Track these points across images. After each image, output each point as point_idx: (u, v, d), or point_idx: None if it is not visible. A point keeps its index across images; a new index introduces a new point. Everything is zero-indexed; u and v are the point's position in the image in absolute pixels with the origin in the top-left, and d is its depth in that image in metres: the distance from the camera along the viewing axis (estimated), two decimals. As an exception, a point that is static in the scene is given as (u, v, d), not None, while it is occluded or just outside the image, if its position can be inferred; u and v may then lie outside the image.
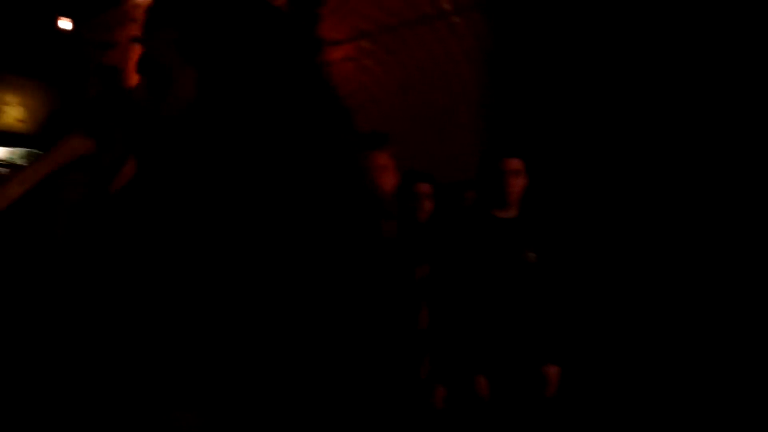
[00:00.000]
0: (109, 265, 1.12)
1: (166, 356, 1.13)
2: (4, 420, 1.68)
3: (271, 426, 1.10)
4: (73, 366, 1.53)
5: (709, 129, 3.21)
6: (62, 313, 1.58)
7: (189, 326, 1.08)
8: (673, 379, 3.26)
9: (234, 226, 1.05)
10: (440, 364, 2.51)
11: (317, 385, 1.04)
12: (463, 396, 2.60)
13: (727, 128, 3.18)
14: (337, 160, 1.12)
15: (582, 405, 3.23)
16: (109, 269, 1.12)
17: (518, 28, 4.03)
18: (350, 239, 1.09)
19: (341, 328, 1.05)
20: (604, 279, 3.53)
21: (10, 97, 6.85)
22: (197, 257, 1.05)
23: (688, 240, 3.31)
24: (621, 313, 3.51)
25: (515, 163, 2.78)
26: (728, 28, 3.09)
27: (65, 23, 6.81)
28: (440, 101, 4.35)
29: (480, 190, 3.19)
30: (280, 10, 1.14)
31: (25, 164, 5.63)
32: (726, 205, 3.21)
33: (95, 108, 1.08)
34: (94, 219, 1.16)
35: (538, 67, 3.88)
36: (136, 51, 6.30)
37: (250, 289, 1.04)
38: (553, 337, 2.73)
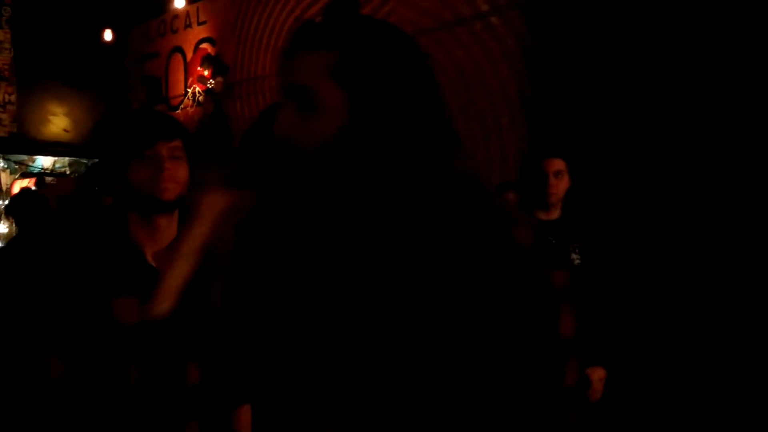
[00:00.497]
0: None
1: None
2: None
3: None
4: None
5: (761, 131, 3.12)
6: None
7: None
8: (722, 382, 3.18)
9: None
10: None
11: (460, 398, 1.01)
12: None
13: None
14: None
15: (627, 408, 3.17)
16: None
17: (557, 26, 3.99)
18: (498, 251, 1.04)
19: (483, 338, 1.01)
20: (650, 280, 3.46)
21: (57, 108, 7.03)
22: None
23: (734, 239, 3.22)
24: (665, 315, 3.44)
25: (557, 164, 2.74)
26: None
27: (108, 34, 6.97)
28: (480, 103, 4.32)
29: (522, 192, 3.16)
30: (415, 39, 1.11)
31: (68, 173, 5.71)
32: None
33: (223, 147, 1.05)
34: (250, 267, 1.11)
35: (578, 65, 3.82)
36: (179, 61, 6.39)
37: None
38: (598, 340, 2.69)
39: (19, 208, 3.36)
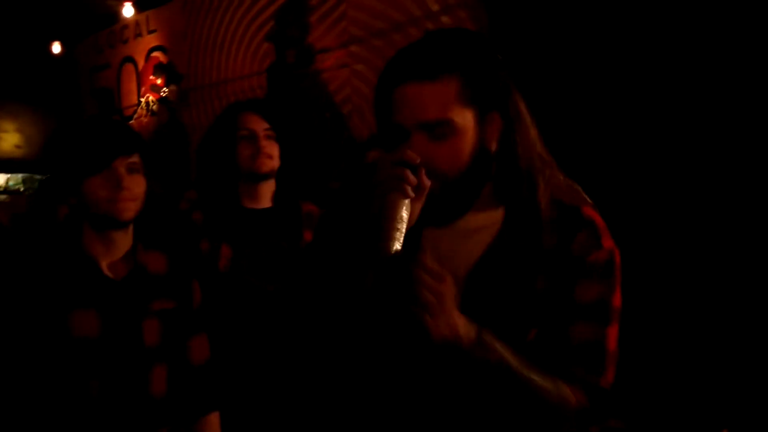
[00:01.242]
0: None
1: None
2: None
3: None
4: None
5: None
6: None
7: None
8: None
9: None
10: None
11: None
12: None
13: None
14: None
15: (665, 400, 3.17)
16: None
17: (507, 23, 4.03)
18: None
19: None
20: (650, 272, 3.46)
21: (7, 124, 6.88)
22: None
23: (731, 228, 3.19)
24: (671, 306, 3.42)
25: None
26: None
27: (57, 47, 6.84)
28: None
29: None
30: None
31: (23, 190, 5.59)
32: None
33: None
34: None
35: (531, 60, 3.87)
36: (131, 71, 6.28)
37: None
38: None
39: None
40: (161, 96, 6.25)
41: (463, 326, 1.01)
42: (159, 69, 6.26)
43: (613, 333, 1.14)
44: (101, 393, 1.56)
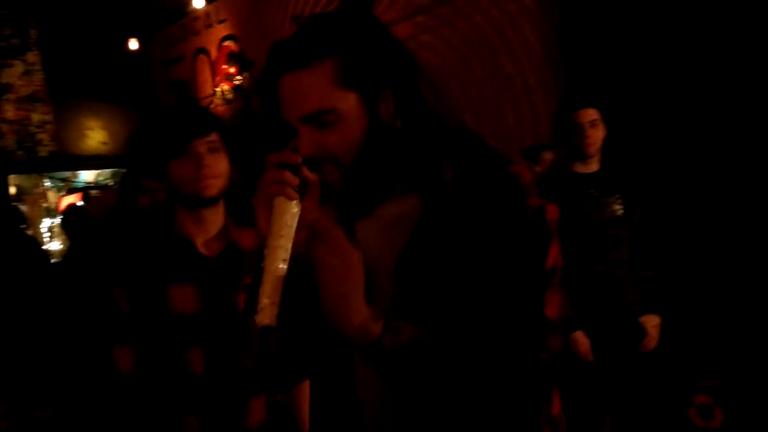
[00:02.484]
0: None
1: None
2: None
3: None
4: None
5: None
6: None
7: None
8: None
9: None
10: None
11: None
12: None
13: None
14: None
15: (680, 355, 3.13)
16: None
17: (578, 9, 3.90)
18: None
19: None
20: (695, 226, 3.40)
21: (92, 122, 7.19)
22: None
23: None
24: (714, 260, 3.37)
25: (591, 114, 2.71)
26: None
27: (133, 43, 7.09)
28: (506, 66, 4.28)
29: (558, 149, 3.13)
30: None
31: (111, 184, 5.84)
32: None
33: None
34: None
35: (601, 15, 3.75)
36: (205, 62, 6.45)
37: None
38: (650, 288, 2.67)
39: (68, 222, 3.52)
40: (235, 84, 6.39)
41: (370, 314, 0.98)
42: (231, 58, 6.39)
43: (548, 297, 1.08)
44: (202, 364, 1.63)
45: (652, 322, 2.64)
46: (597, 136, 2.71)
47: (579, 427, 2.62)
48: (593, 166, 2.77)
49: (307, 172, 1.02)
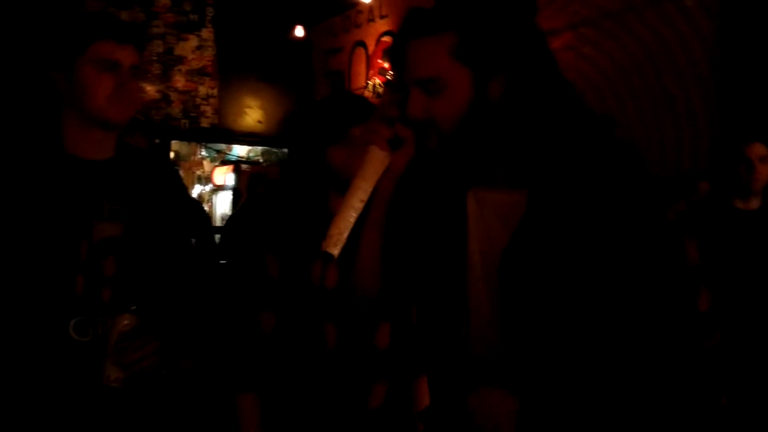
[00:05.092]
0: None
1: None
2: None
3: None
4: None
5: None
6: None
7: None
8: None
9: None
10: None
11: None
12: None
13: None
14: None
15: None
16: None
17: (757, 6, 3.67)
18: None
19: None
20: None
21: (251, 101, 7.62)
22: None
23: None
24: None
25: (761, 149, 2.57)
26: None
27: (299, 30, 7.41)
28: (669, 86, 4.10)
29: (715, 180, 2.97)
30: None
31: (261, 161, 6.19)
32: None
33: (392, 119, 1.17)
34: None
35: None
36: (362, 55, 6.65)
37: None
38: None
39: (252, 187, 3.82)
40: (387, 79, 6.54)
41: None
42: (388, 53, 6.55)
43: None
44: (335, 338, 1.71)
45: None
46: (764, 172, 2.57)
47: (693, 410, 2.49)
48: (754, 204, 2.63)
49: (400, 128, 1.13)
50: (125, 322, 1.53)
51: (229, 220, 4.04)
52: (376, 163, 1.13)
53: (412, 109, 1.13)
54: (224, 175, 7.53)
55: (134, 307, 1.55)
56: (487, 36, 1.09)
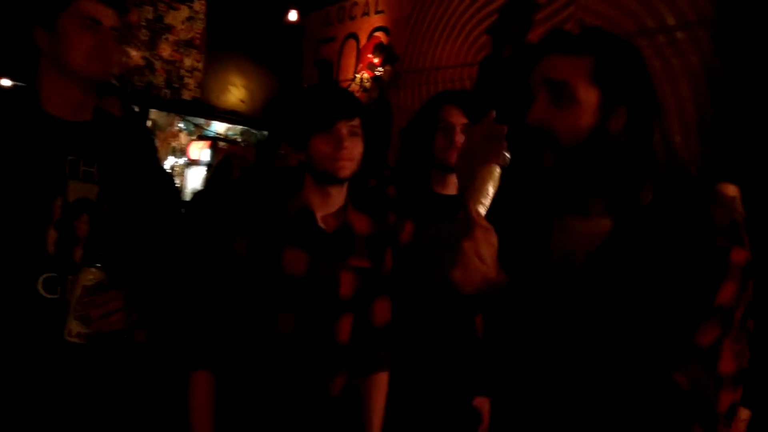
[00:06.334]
0: None
1: None
2: None
3: None
4: None
5: None
6: None
7: None
8: None
9: None
10: None
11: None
12: None
13: None
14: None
15: None
16: None
17: (748, 47, 3.73)
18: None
19: None
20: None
21: (236, 79, 7.54)
22: None
23: None
24: None
25: (731, 190, 2.62)
26: None
27: (292, 15, 7.36)
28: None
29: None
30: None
31: (240, 141, 6.12)
32: None
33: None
34: None
35: (766, 91, 3.57)
36: (353, 47, 6.63)
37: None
38: None
39: (221, 170, 3.77)
40: (375, 75, 6.53)
41: (495, 275, 1.07)
42: (378, 49, 6.54)
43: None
44: (295, 328, 1.70)
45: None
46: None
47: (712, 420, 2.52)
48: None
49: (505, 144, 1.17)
50: (90, 276, 1.52)
51: (197, 196, 3.99)
52: (495, 182, 1.15)
53: (535, 114, 1.16)
54: (200, 150, 7.45)
55: (99, 264, 1.54)
56: (620, 64, 1.14)
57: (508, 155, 1.16)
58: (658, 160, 1.15)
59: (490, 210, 1.16)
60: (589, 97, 1.13)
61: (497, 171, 1.15)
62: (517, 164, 1.18)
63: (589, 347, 1.07)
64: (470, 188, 1.13)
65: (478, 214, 1.11)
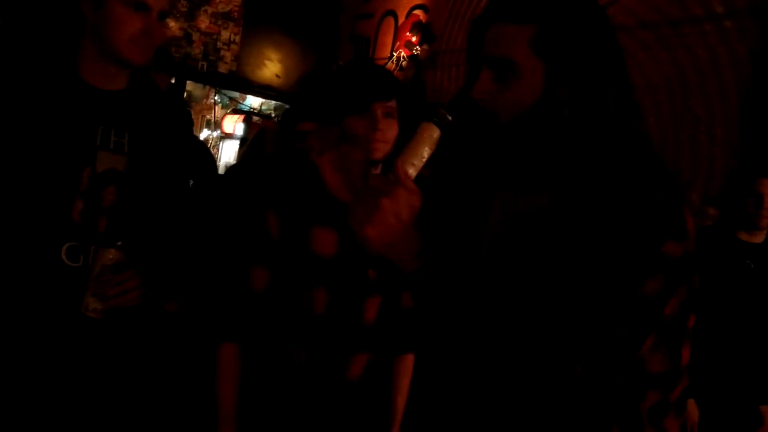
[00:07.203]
0: None
1: None
2: None
3: None
4: None
5: None
6: None
7: None
8: None
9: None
10: None
11: None
12: None
13: None
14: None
15: None
16: None
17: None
18: None
19: None
20: None
21: (272, 53, 7.53)
22: None
23: None
24: None
25: (773, 185, 2.55)
26: None
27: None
28: (695, 108, 4.05)
29: (725, 209, 2.96)
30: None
31: (273, 116, 6.12)
32: None
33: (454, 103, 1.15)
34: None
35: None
36: (390, 24, 6.58)
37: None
38: None
39: (256, 143, 3.77)
40: (412, 53, 6.47)
41: (407, 238, 1.03)
42: (416, 27, 6.46)
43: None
44: (325, 305, 1.70)
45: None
46: (774, 210, 2.56)
47: (734, 422, 2.50)
48: (758, 238, 2.62)
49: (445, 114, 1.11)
50: (110, 256, 1.56)
51: (231, 170, 4.02)
52: (432, 144, 1.11)
53: (479, 90, 1.11)
54: (234, 124, 7.48)
55: (120, 243, 1.57)
56: (567, 31, 1.07)
57: (449, 116, 1.10)
58: (608, 134, 1.08)
59: (436, 176, 1.13)
60: (532, 70, 1.07)
61: (436, 133, 1.09)
62: (461, 135, 1.14)
63: (495, 330, 1.03)
64: (405, 147, 1.10)
65: (406, 174, 1.06)
